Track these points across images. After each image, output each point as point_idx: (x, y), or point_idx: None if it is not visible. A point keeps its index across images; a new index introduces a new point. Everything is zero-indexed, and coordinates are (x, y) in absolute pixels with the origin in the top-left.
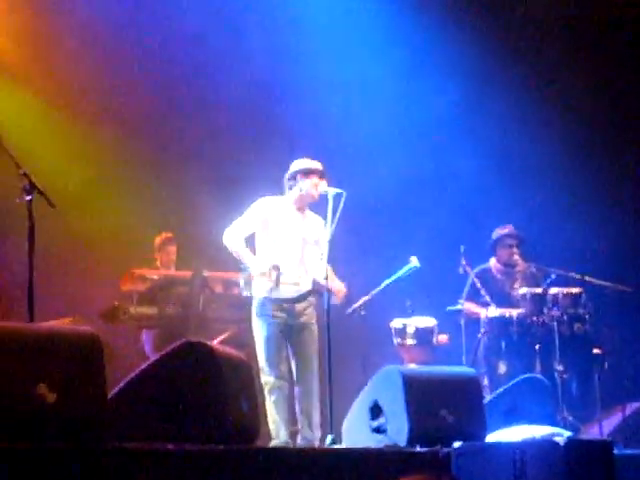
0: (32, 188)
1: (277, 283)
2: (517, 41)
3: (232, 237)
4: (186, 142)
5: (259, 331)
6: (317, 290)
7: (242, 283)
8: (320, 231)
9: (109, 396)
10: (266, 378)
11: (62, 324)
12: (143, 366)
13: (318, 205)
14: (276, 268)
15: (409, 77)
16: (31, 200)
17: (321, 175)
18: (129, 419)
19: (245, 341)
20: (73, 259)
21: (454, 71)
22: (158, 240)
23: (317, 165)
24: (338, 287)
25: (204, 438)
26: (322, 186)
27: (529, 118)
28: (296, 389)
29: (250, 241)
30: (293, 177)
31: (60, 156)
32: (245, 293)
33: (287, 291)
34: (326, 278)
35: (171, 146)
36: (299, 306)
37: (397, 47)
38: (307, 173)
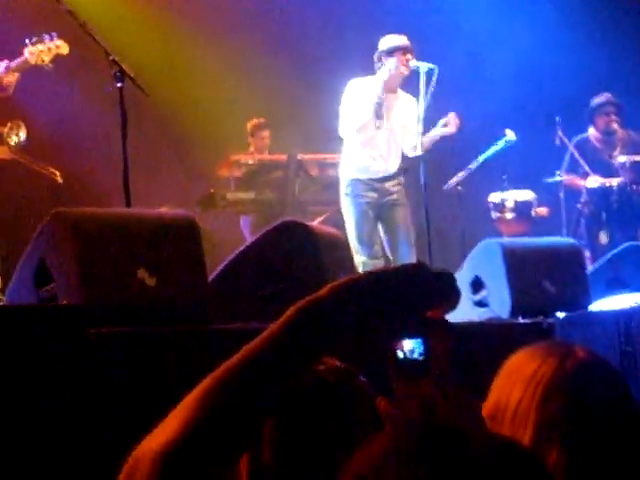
0: (123, 75)
1: (372, 167)
2: None
3: (349, 131)
4: (272, 27)
5: (349, 211)
6: (406, 169)
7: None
8: (412, 110)
9: (209, 279)
10: (360, 258)
11: None
12: (241, 248)
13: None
14: (372, 152)
15: None
16: (122, 87)
17: (405, 50)
18: (229, 301)
19: (343, 222)
20: (167, 148)
21: None
22: (250, 125)
23: (400, 41)
24: (448, 119)
25: None
26: (411, 62)
27: None
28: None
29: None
30: (379, 58)
31: (150, 46)
32: (340, 175)
33: (376, 171)
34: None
35: (257, 32)
36: (388, 184)
37: None
38: (391, 51)
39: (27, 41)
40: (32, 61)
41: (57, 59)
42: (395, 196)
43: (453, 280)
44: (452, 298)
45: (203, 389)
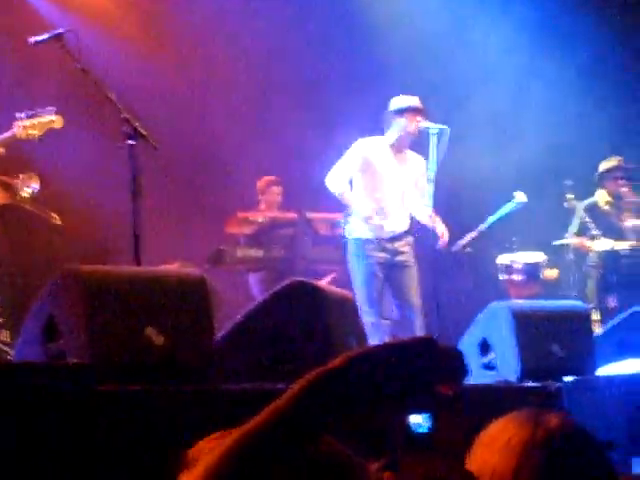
0: (134, 132)
1: (380, 227)
2: None
3: (335, 180)
4: (287, 84)
5: (358, 271)
6: (415, 231)
7: (344, 225)
8: (420, 171)
9: (217, 338)
10: (368, 318)
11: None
12: (249, 308)
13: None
14: (380, 212)
15: None
16: (133, 145)
17: (416, 111)
18: (237, 360)
19: (351, 282)
20: (177, 204)
21: None
22: (262, 183)
23: (411, 101)
24: (442, 230)
25: None
26: (421, 122)
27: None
28: (399, 328)
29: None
30: (389, 118)
31: (161, 99)
32: (347, 235)
33: (385, 231)
34: (430, 216)
35: (270, 89)
36: (397, 244)
37: None
38: (401, 112)
39: (18, 115)
40: (20, 136)
41: (71, 107)
42: (404, 256)
43: (461, 357)
44: (459, 376)
45: (218, 457)
